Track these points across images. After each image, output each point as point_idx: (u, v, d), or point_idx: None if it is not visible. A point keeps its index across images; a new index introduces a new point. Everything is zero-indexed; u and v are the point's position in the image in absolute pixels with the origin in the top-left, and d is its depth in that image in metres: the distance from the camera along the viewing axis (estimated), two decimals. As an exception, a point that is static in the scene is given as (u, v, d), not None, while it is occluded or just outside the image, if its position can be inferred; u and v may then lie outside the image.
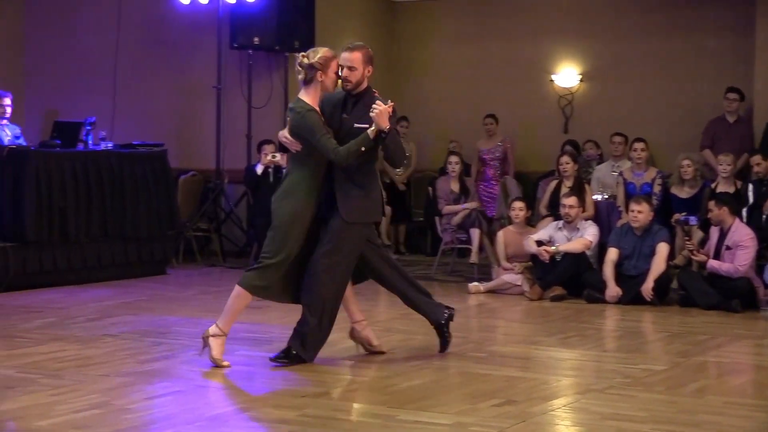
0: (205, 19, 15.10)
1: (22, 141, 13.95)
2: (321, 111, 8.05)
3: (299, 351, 8.04)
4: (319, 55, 7.93)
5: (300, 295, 8.19)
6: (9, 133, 13.89)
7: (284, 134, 8.04)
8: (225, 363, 7.97)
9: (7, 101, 14.03)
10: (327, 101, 8.16)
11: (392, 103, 7.84)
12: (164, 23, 15.76)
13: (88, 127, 13.88)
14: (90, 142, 13.77)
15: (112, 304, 11.37)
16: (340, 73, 8.10)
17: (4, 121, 13.94)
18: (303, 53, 8.04)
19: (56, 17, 16.57)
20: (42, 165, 12.68)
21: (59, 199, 12.72)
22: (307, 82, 7.97)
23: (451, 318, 8.72)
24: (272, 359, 8.10)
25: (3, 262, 12.18)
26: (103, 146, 13.85)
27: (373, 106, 7.72)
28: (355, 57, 8.01)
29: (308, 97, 7.99)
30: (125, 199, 13.37)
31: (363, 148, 7.78)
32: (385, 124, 7.71)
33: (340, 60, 8.07)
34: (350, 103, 8.10)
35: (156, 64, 15.92)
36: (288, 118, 8.18)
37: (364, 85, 8.10)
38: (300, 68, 7.96)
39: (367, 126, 7.81)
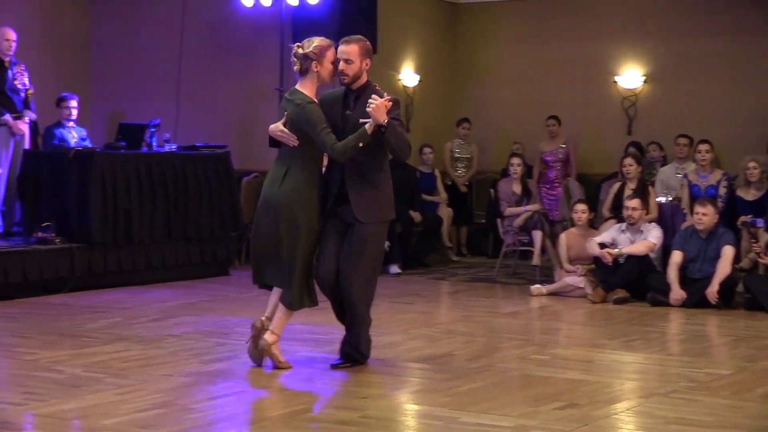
0: (267, 21, 15.15)
1: (87, 143, 14.09)
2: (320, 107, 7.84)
3: (357, 355, 8.06)
4: (314, 45, 7.69)
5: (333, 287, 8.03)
6: (75, 135, 14.04)
7: (279, 128, 7.75)
8: (287, 364, 7.95)
9: (74, 104, 14.18)
10: (326, 98, 8.00)
11: (389, 97, 7.62)
12: (227, 26, 15.83)
13: (153, 129, 13.97)
14: (154, 144, 13.86)
15: (176, 304, 11.43)
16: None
17: (71, 124, 14.09)
18: (298, 43, 7.83)
19: (121, 21, 16.69)
20: (107, 167, 12.77)
21: (124, 200, 12.81)
22: (303, 73, 7.77)
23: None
24: (334, 366, 8.06)
25: (69, 262, 12.28)
26: (167, 148, 13.94)
27: (369, 100, 7.47)
28: (351, 49, 7.76)
29: (305, 88, 7.79)
30: (188, 200, 13.43)
31: (361, 144, 7.52)
32: (383, 118, 7.42)
33: (337, 53, 7.83)
34: (351, 98, 7.88)
35: (219, 66, 15.99)
36: (285, 111, 7.84)
37: (364, 79, 7.89)
38: (295, 59, 7.76)
39: (370, 120, 7.55)
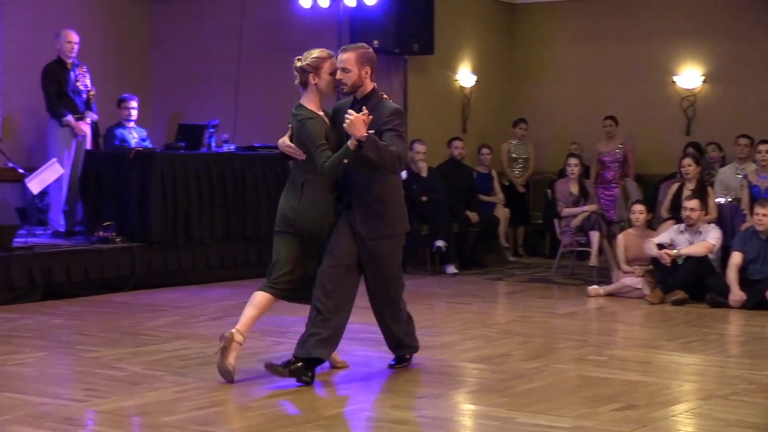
0: (325, 22, 15.19)
1: (148, 143, 14.21)
2: (334, 119, 7.61)
3: (407, 350, 8.07)
4: (311, 57, 7.48)
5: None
6: (136, 135, 14.17)
7: (285, 143, 7.55)
8: (345, 364, 8.01)
9: (134, 105, 14.31)
10: (338, 107, 7.74)
11: (366, 112, 7.14)
12: (285, 27, 15.86)
13: (212, 130, 14.07)
14: (213, 144, 13.96)
15: (234, 303, 11.47)
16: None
17: (131, 124, 14.22)
18: (298, 57, 7.59)
19: (181, 24, 16.79)
20: (167, 167, 12.87)
21: (183, 200, 12.91)
22: (303, 86, 7.61)
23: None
24: (391, 366, 8.09)
25: (130, 261, 12.39)
26: (225, 148, 14.04)
27: (345, 115, 7.14)
28: (348, 57, 7.45)
29: (309, 102, 7.58)
30: (247, 200, 13.50)
31: (345, 161, 7.20)
32: (359, 134, 7.04)
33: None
34: (356, 108, 7.35)
35: (277, 67, 16.01)
36: (290, 125, 7.62)
37: (368, 87, 7.59)
38: (295, 72, 7.59)
39: (371, 132, 7.15)
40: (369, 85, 7.57)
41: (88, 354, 8.74)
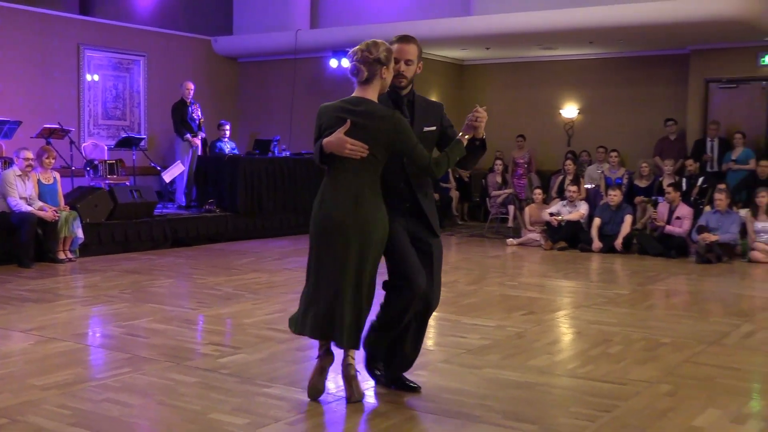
0: (344, 72, 15.19)
1: (236, 151, 14.32)
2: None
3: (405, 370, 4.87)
4: (382, 48, 4.40)
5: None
6: (228, 147, 14.27)
7: (346, 139, 4.31)
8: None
9: (227, 127, 14.48)
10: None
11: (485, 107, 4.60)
12: (320, 78, 15.92)
13: (275, 142, 14.18)
14: (276, 151, 14.05)
15: (288, 250, 11.58)
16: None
17: (226, 139, 14.34)
18: (360, 48, 4.40)
19: (257, 76, 16.86)
20: (247, 166, 13.06)
21: (258, 186, 13.11)
22: (369, 80, 4.41)
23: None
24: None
25: (224, 224, 12.56)
26: (283, 154, 14.15)
27: (475, 114, 4.52)
28: (412, 49, 4.56)
29: (374, 96, 4.46)
30: (296, 186, 13.61)
31: (458, 158, 4.55)
32: (481, 133, 4.62)
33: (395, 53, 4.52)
34: (403, 105, 4.60)
35: (315, 103, 16.07)
36: (342, 121, 4.37)
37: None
38: (360, 65, 4.38)
39: (434, 129, 4.64)
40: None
41: (199, 280, 8.86)
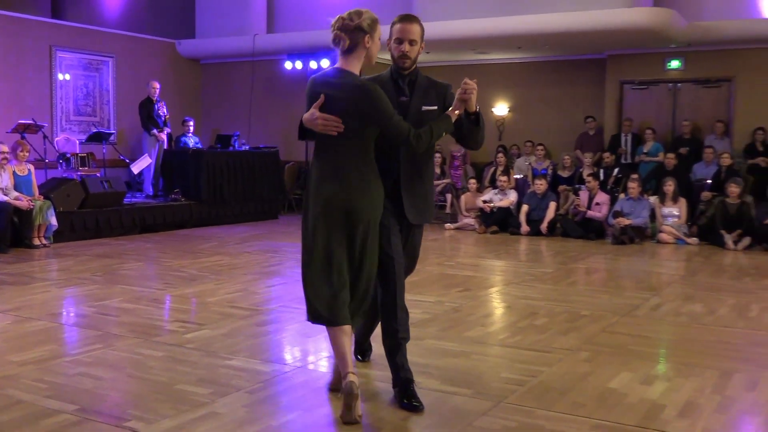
0: (299, 75, 15.14)
1: (199, 145, 14.14)
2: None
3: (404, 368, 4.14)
4: (365, 16, 3.80)
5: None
6: (192, 141, 14.08)
7: (319, 114, 3.71)
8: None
9: (191, 123, 14.29)
10: (375, 81, 3.94)
11: (475, 81, 3.95)
12: (276, 79, 15.81)
13: (235, 137, 14.03)
14: (236, 145, 13.91)
15: (248, 235, 11.52)
16: (388, 47, 4.04)
17: (190, 134, 14.13)
18: (341, 16, 3.80)
19: (219, 76, 16.67)
20: (210, 159, 12.94)
21: (219, 177, 12.97)
22: (351, 49, 3.79)
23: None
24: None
25: (189, 211, 12.43)
26: (242, 148, 14.01)
27: (464, 86, 3.91)
28: (415, 29, 3.97)
29: (355, 68, 3.83)
30: (255, 177, 13.52)
31: (445, 133, 3.91)
32: (472, 106, 3.97)
33: (394, 32, 4.00)
34: (404, 83, 4.05)
35: (272, 102, 15.98)
36: (321, 94, 3.75)
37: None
38: (341, 33, 3.76)
39: (434, 108, 4.02)
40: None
41: (165, 263, 8.76)
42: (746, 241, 10.49)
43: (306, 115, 3.83)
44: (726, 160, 12.01)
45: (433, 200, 4.24)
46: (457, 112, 3.95)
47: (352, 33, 3.81)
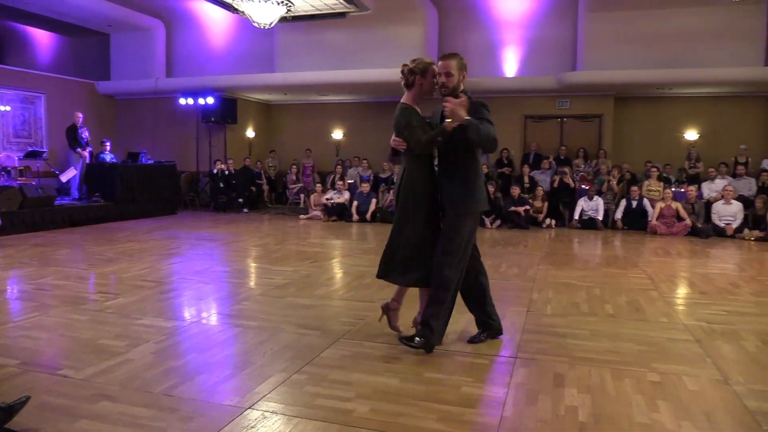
0: (191, 110, 14.51)
1: (115, 160, 13.22)
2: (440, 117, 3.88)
3: (428, 336, 3.88)
4: (422, 62, 3.85)
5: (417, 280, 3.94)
6: (109, 157, 13.15)
7: (393, 137, 3.85)
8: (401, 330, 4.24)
9: (108, 144, 13.27)
10: (436, 110, 3.95)
11: (464, 97, 3.68)
12: (172, 112, 15.09)
13: (143, 154, 13.26)
14: (144, 160, 13.15)
15: (154, 226, 10.95)
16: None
17: (107, 152, 13.17)
18: (405, 63, 3.87)
19: (132, 109, 15.67)
20: (123, 170, 12.11)
21: (131, 183, 12.15)
22: (408, 87, 3.84)
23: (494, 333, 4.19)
24: (402, 341, 3.98)
25: (106, 210, 11.61)
26: (148, 162, 13.26)
27: (444, 104, 3.69)
28: (451, 64, 3.79)
29: (408, 99, 3.85)
30: (158, 183, 12.83)
31: (440, 138, 3.69)
32: (460, 118, 3.62)
33: (438, 68, 3.86)
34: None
35: (171, 128, 15.24)
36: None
37: (460, 89, 3.83)
38: (401, 75, 3.85)
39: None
40: (461, 88, 3.85)
41: (89, 249, 8.18)
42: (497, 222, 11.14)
43: (391, 140, 3.91)
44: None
45: (472, 195, 3.82)
46: (450, 121, 3.68)
47: (407, 75, 3.86)
